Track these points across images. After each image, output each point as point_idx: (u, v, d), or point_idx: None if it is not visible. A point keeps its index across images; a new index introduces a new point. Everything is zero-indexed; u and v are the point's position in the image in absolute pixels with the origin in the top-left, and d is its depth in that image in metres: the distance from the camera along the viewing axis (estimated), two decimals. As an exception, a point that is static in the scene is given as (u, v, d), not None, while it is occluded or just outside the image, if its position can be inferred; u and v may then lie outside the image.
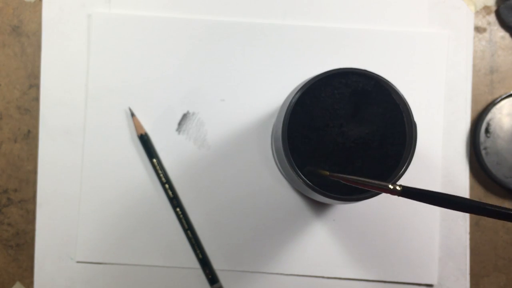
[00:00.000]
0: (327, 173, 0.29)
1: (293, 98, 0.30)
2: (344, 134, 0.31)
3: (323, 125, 0.31)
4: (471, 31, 0.41)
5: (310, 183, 0.30)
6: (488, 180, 0.41)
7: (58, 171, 0.41)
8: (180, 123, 0.41)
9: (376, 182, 0.26)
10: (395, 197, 0.40)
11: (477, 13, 0.42)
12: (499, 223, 0.41)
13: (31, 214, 0.41)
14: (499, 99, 0.40)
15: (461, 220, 0.41)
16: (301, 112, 0.31)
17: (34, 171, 0.41)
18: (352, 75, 0.31)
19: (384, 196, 0.34)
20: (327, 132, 0.31)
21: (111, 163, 0.41)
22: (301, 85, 0.31)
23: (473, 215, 0.41)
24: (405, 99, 0.31)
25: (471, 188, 0.41)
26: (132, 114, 0.40)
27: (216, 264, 0.41)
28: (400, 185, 0.25)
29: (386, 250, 0.41)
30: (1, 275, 0.42)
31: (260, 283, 0.41)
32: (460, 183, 0.41)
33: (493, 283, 0.41)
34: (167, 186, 0.40)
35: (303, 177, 0.30)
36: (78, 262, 0.41)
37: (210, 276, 0.40)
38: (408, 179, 0.40)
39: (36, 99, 0.42)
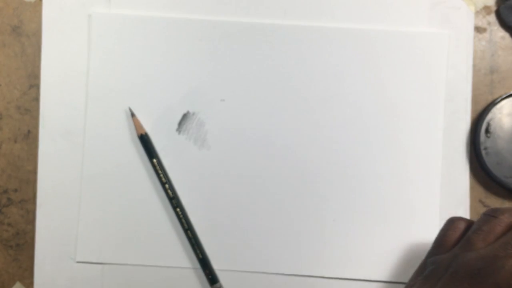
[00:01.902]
0: None
1: None
2: None
3: None
4: (471, 31, 0.41)
5: None
6: (488, 180, 0.41)
7: (58, 171, 0.41)
8: (180, 123, 0.41)
9: None
10: (395, 194, 0.40)
11: (477, 13, 0.42)
12: (499, 223, 0.41)
13: (31, 214, 0.41)
14: (499, 99, 0.40)
15: (461, 220, 0.41)
16: None
17: (34, 171, 0.41)
18: None
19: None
20: None
21: (111, 163, 0.41)
22: None
23: (472, 215, 0.41)
24: None
25: (471, 188, 0.41)
26: (132, 114, 0.40)
27: (216, 264, 0.41)
28: None
29: (386, 250, 0.41)
30: (1, 275, 0.42)
31: (260, 283, 0.41)
32: (460, 183, 0.41)
33: (493, 283, 0.41)
34: (167, 186, 0.40)
35: None
36: (78, 262, 0.41)
37: (210, 276, 0.40)
38: (407, 178, 0.40)
39: (36, 99, 0.42)
